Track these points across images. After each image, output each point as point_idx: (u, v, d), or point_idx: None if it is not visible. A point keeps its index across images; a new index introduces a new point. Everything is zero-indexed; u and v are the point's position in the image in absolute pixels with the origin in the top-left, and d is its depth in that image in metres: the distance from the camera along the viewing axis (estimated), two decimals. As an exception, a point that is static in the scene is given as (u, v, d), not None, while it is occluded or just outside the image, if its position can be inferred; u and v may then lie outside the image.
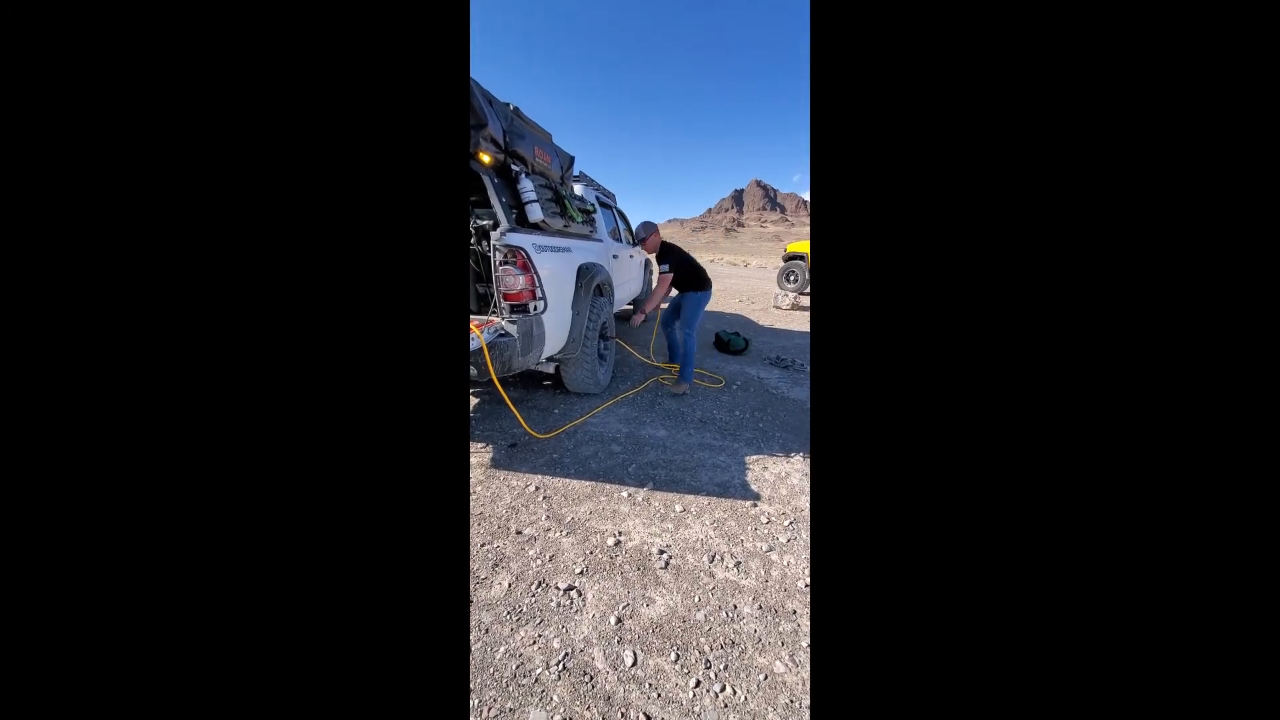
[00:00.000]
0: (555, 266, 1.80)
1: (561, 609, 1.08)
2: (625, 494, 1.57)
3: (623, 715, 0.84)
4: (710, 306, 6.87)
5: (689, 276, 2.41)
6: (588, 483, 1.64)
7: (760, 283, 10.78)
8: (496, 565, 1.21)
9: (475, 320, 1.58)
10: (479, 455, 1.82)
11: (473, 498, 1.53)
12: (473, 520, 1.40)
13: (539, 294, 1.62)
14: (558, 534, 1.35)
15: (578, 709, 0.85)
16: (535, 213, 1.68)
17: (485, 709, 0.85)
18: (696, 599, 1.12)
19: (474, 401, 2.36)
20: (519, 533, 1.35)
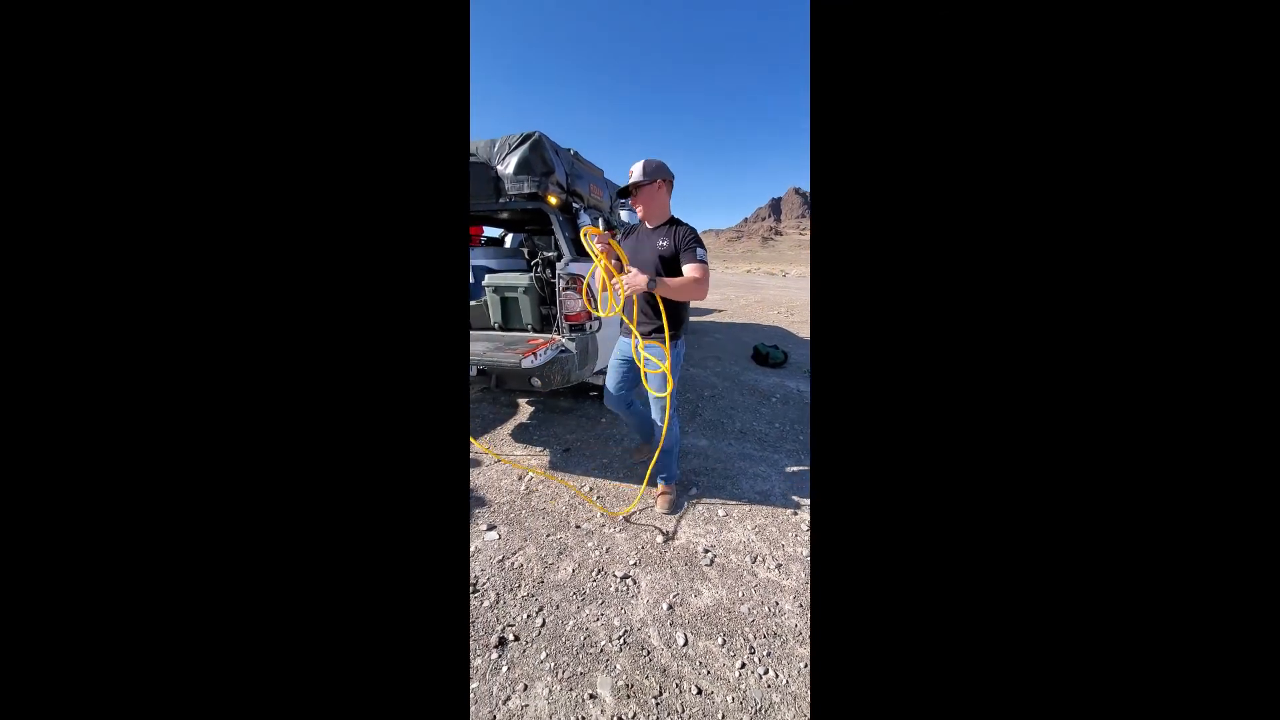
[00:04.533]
0: (607, 289, 2.00)
1: (619, 594, 1.23)
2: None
3: (677, 685, 0.97)
4: (747, 319, 6.72)
5: (669, 309, 1.36)
6: (636, 486, 1.79)
7: (799, 293, 10.58)
8: (561, 553, 1.39)
9: (540, 338, 1.80)
10: (538, 458, 2.03)
11: (534, 495, 1.72)
12: (537, 514, 1.59)
13: (594, 314, 1.82)
14: (612, 530, 1.51)
15: (638, 677, 0.99)
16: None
17: (560, 671, 1.01)
18: (740, 594, 1.23)
19: (529, 410, 2.60)
20: (578, 527, 1.52)
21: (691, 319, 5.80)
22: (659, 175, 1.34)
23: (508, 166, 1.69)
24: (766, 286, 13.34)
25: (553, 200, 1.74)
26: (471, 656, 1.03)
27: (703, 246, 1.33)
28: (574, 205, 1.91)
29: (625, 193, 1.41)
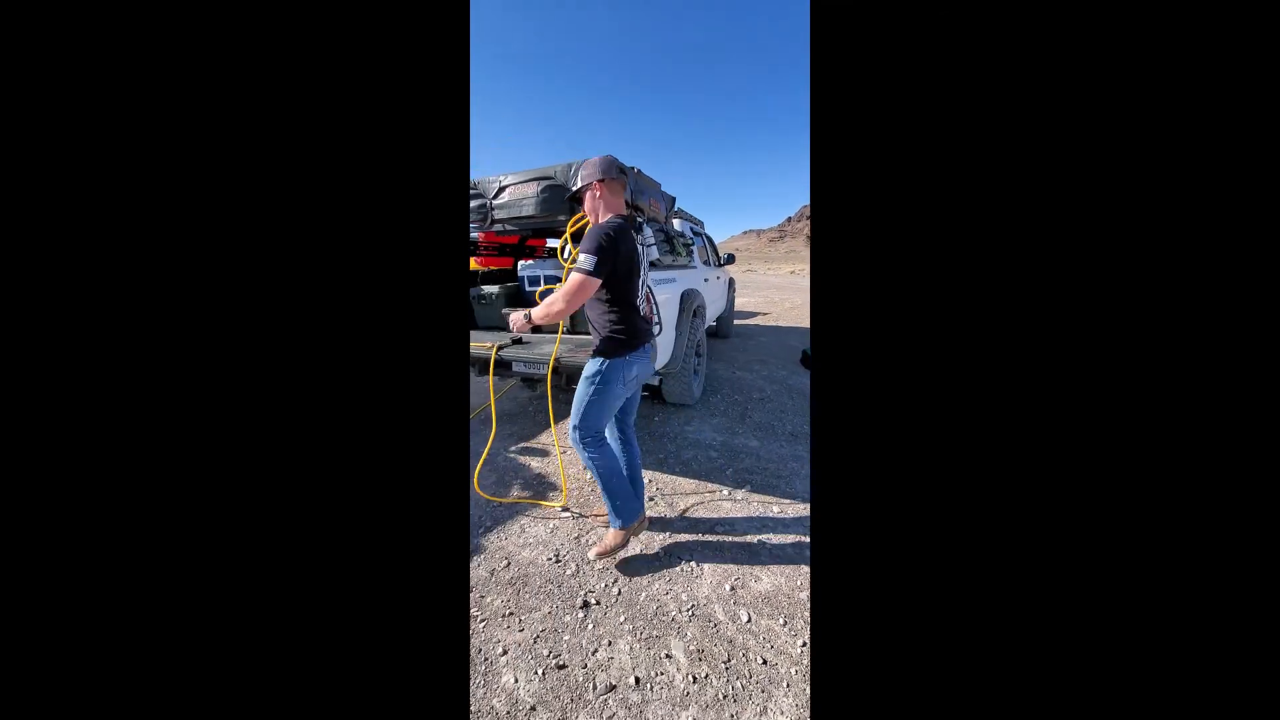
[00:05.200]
0: (666, 295, 2.15)
1: (684, 574, 1.35)
2: (725, 492, 1.80)
3: (744, 655, 1.08)
4: (792, 322, 6.47)
5: (615, 318, 1.21)
6: (691, 481, 1.91)
7: (847, 296, 10.13)
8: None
9: (606, 341, 1.99)
10: (599, 451, 2.20)
11: (596, 488, 1.89)
12: (600, 499, 1.76)
13: (654, 319, 1.97)
14: (670, 513, 1.64)
15: (707, 645, 1.11)
16: (653, 254, 2.06)
17: (638, 632, 1.15)
18: (799, 582, 1.31)
19: (587, 407, 2.80)
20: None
21: (736, 322, 5.82)
22: (593, 176, 1.18)
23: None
24: (811, 289, 12.91)
25: (620, 216, 1.92)
26: (560, 615, 1.20)
27: (594, 252, 1.07)
28: (637, 219, 2.08)
29: (576, 198, 1.25)
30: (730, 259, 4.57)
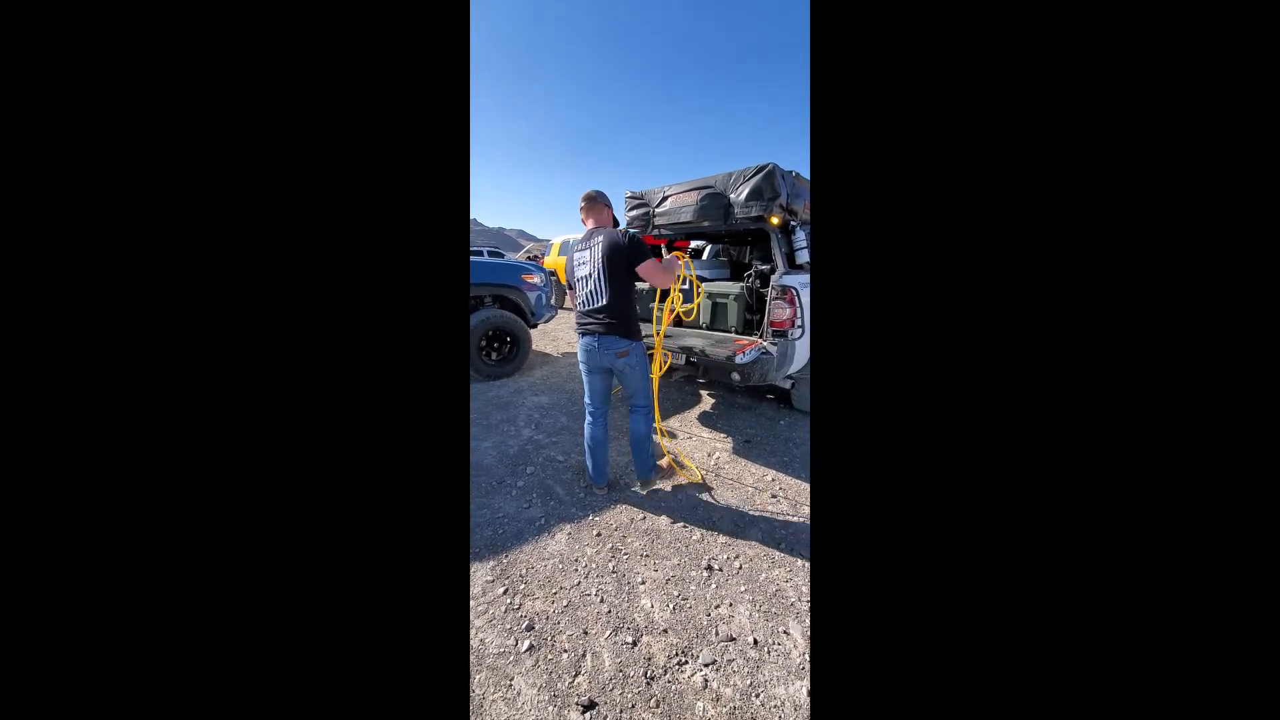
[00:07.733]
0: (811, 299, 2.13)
1: (805, 569, 1.39)
2: (856, 508, 1.74)
3: (866, 658, 1.09)
4: None
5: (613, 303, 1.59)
6: (817, 488, 1.88)
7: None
8: (750, 524, 1.64)
9: (744, 339, 2.09)
10: (723, 444, 2.33)
11: (720, 474, 2.02)
12: (726, 484, 1.89)
13: (798, 322, 1.99)
14: (793, 515, 1.67)
15: (826, 637, 1.16)
16: (803, 257, 2.07)
17: (757, 604, 1.25)
18: (939, 615, 1.22)
19: (711, 401, 2.94)
20: (765, 507, 1.74)
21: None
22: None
23: (740, 195, 2.02)
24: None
25: (774, 221, 1.99)
26: (687, 569, 1.39)
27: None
28: (790, 223, 2.11)
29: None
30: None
